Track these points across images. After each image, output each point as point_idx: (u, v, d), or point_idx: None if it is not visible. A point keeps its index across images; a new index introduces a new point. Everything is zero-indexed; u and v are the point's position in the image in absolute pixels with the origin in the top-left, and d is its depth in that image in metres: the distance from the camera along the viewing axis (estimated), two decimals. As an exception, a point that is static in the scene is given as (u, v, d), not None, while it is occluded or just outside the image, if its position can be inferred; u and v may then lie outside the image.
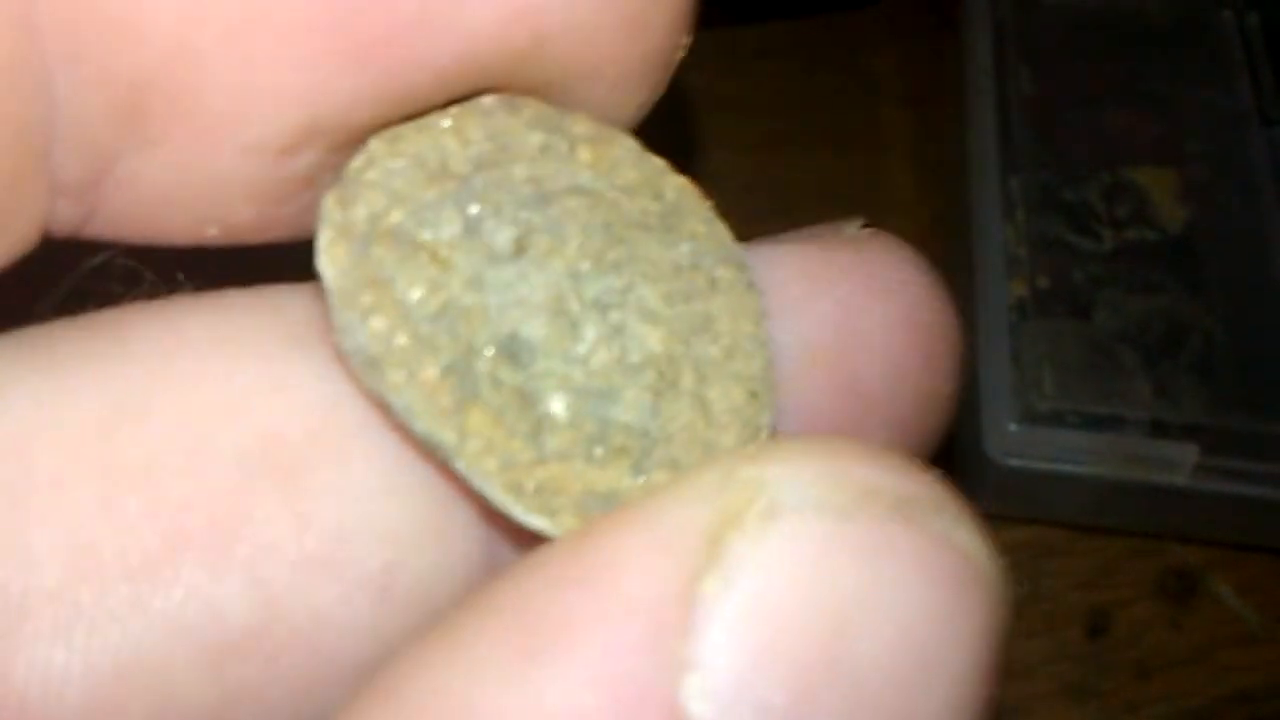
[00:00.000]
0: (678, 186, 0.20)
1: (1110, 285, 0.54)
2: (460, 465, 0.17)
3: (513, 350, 0.18)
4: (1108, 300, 0.53)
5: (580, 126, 0.19)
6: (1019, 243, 0.54)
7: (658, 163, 0.20)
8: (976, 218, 0.55)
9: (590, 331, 0.18)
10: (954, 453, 0.52)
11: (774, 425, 0.19)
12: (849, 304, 0.20)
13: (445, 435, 0.17)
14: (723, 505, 0.15)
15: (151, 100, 0.17)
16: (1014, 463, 0.50)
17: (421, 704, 0.14)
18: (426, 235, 0.18)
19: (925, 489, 0.15)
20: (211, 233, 0.18)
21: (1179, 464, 0.50)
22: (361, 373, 0.17)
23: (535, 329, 0.18)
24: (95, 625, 0.17)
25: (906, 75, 0.67)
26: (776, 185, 0.60)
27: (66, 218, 0.18)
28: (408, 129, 0.18)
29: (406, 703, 0.14)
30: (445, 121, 0.18)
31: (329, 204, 0.18)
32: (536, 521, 0.17)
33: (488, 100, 0.19)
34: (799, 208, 0.59)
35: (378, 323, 0.17)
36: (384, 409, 0.18)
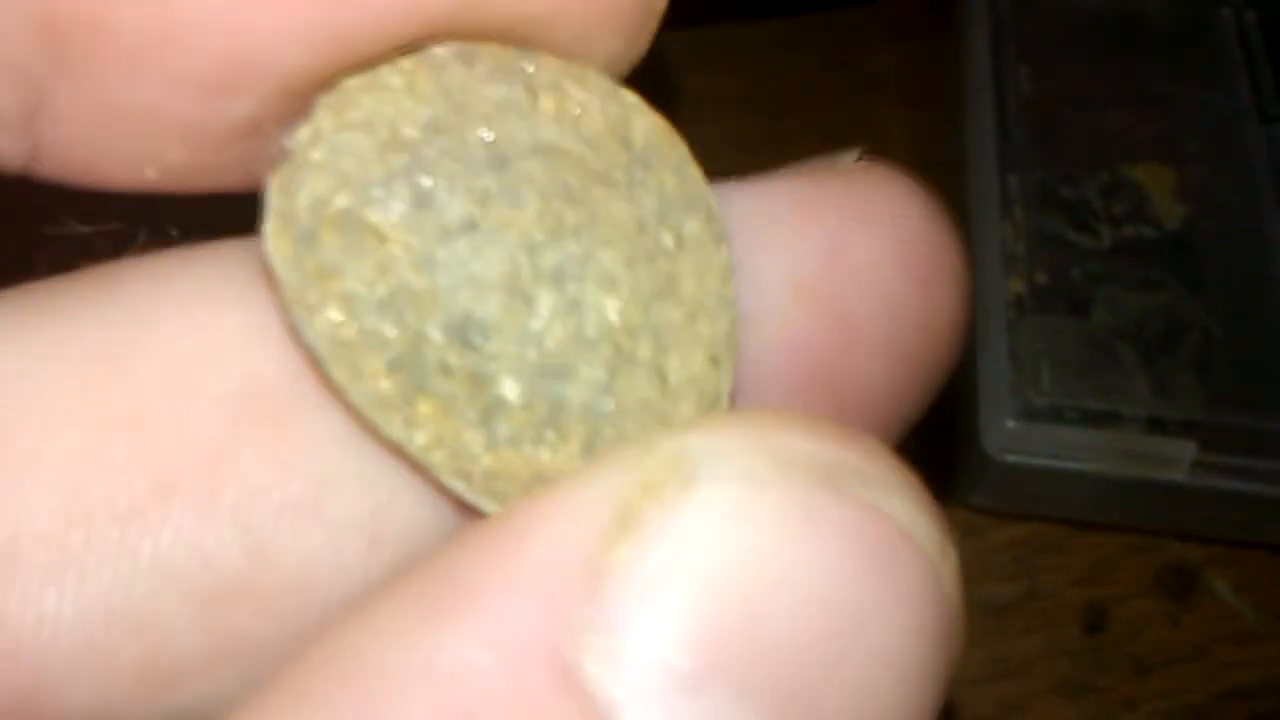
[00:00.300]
0: (648, 129, 0.19)
1: (1108, 282, 0.54)
2: (411, 456, 0.17)
3: (464, 333, 0.17)
4: (1106, 297, 0.53)
5: (543, 71, 0.18)
6: (1017, 240, 0.54)
7: (629, 100, 0.19)
8: (975, 215, 0.55)
9: (545, 307, 0.17)
10: (951, 448, 0.52)
11: (733, 392, 0.18)
12: (838, 235, 0.20)
13: (393, 430, 0.17)
14: (640, 476, 0.14)
15: (69, 27, 0.16)
16: (1011, 459, 0.50)
17: (327, 663, 0.14)
18: (374, 217, 0.17)
19: (862, 460, 0.15)
20: (150, 175, 0.18)
21: (1177, 461, 0.50)
22: (314, 366, 0.17)
23: (488, 308, 0.17)
24: (84, 569, 0.17)
25: (905, 73, 0.67)
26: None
27: (14, 153, 0.18)
28: (355, 90, 0.18)
29: (315, 663, 0.15)
30: (396, 80, 0.18)
31: (273, 189, 0.17)
32: (486, 505, 0.17)
33: (440, 50, 0.18)
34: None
35: (322, 320, 0.17)
36: (343, 405, 0.17)
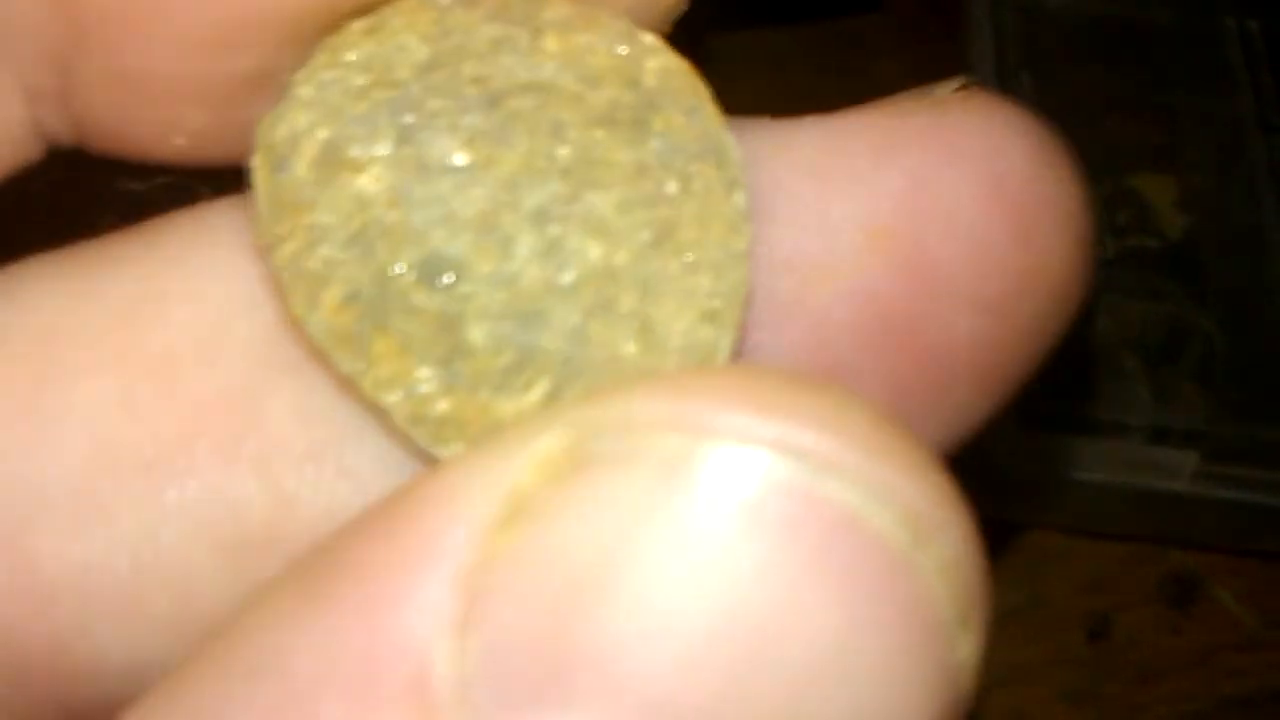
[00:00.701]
0: (661, 70, 0.17)
1: (1111, 292, 0.54)
2: (364, 394, 0.17)
3: (434, 270, 0.16)
4: (1109, 307, 0.54)
5: (551, 12, 0.17)
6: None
7: (647, 42, 0.17)
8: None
9: (523, 247, 0.16)
10: (955, 458, 0.52)
11: (736, 348, 0.17)
12: (919, 173, 0.18)
13: (347, 365, 0.16)
14: (540, 452, 0.13)
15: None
16: (1015, 468, 0.50)
17: (222, 644, 0.14)
18: (355, 151, 0.16)
19: (817, 438, 0.13)
20: (179, 142, 0.18)
21: (1179, 470, 0.50)
22: (277, 299, 0.17)
23: (461, 246, 0.16)
24: (112, 518, 0.17)
25: (912, 81, 0.67)
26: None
27: (58, 126, 0.18)
28: (356, 33, 0.17)
29: (212, 645, 0.14)
30: (397, 20, 0.17)
31: (261, 124, 0.17)
32: (437, 451, 0.17)
33: None
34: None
35: (286, 249, 0.16)
36: (301, 338, 0.17)
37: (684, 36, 0.18)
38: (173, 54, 0.17)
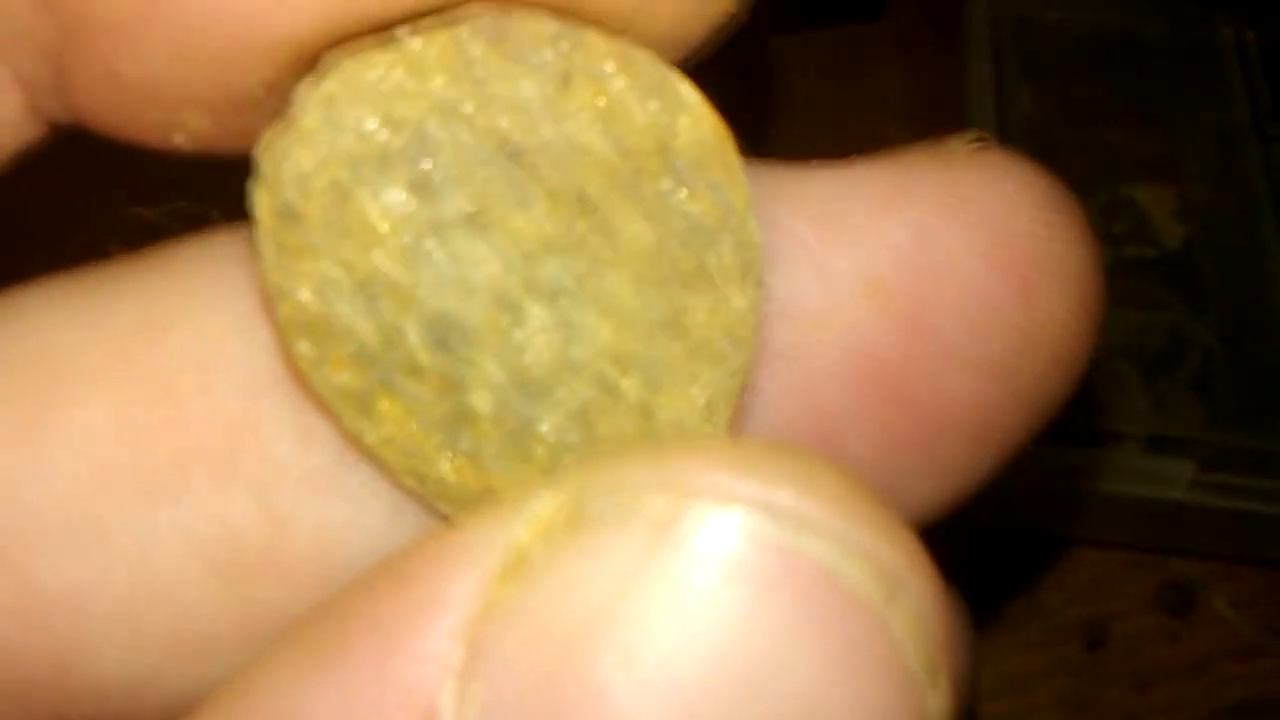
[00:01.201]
0: (693, 135, 0.16)
1: (1109, 302, 0.54)
2: (367, 452, 0.17)
3: (442, 333, 0.16)
4: (1106, 316, 0.54)
5: (583, 53, 0.16)
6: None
7: (682, 95, 0.16)
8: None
9: (533, 320, 0.16)
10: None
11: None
12: (922, 227, 0.17)
13: (351, 420, 0.16)
14: (536, 514, 0.14)
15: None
16: (1013, 477, 0.50)
17: (238, 694, 0.14)
18: (364, 196, 0.16)
19: (795, 499, 0.13)
20: (180, 140, 0.17)
21: (1176, 479, 0.50)
22: (280, 348, 0.17)
23: (470, 313, 0.16)
24: (108, 538, 0.17)
25: (910, 91, 0.67)
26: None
27: (56, 112, 0.18)
28: (371, 51, 0.16)
29: (227, 694, 0.14)
30: (414, 45, 0.16)
31: (262, 153, 0.16)
32: (440, 507, 0.17)
33: (477, 8, 0.16)
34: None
35: (292, 299, 0.16)
36: (306, 391, 0.17)
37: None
38: (166, 66, 0.16)
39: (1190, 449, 0.50)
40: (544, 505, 0.14)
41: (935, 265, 0.17)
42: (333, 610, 0.14)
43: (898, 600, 0.13)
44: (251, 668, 0.14)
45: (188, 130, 0.17)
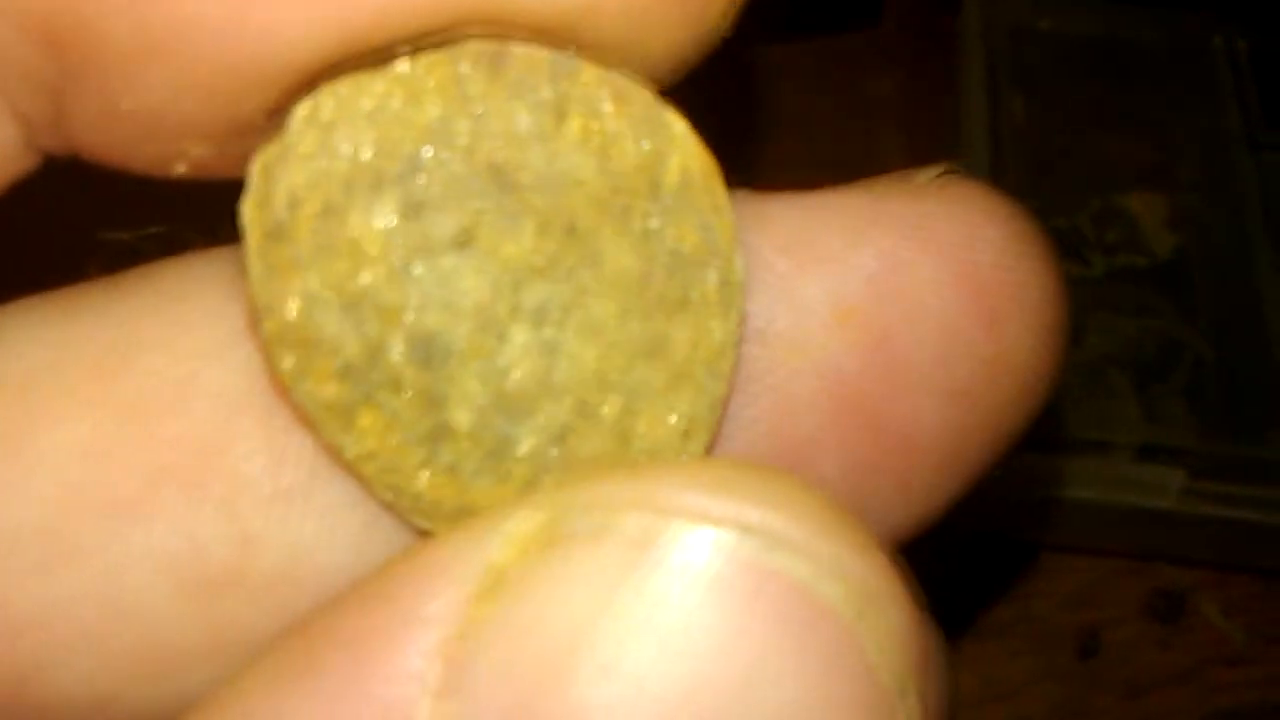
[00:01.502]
0: (683, 170, 0.17)
1: (1101, 309, 0.54)
2: (346, 464, 0.17)
3: (427, 352, 0.16)
4: (1098, 325, 0.54)
5: (578, 86, 0.16)
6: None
7: (672, 129, 0.17)
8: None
9: (516, 344, 0.16)
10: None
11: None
12: (890, 256, 0.18)
13: (332, 434, 0.17)
14: (514, 531, 0.14)
15: (66, 35, 0.16)
16: (1004, 485, 0.51)
17: (218, 709, 0.14)
18: (356, 218, 0.16)
19: (769, 517, 0.13)
20: (181, 169, 0.17)
21: (1167, 487, 0.50)
22: (265, 364, 0.17)
23: (456, 332, 0.16)
24: (78, 558, 0.17)
25: (903, 99, 0.67)
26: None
27: (53, 145, 0.18)
28: (367, 87, 0.16)
29: (208, 708, 0.14)
30: (410, 73, 0.16)
31: (256, 172, 0.16)
32: (417, 521, 0.17)
33: (473, 45, 0.16)
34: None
35: (278, 314, 0.16)
36: (288, 404, 0.17)
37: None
38: (169, 97, 0.16)
39: (1181, 457, 0.50)
40: (521, 524, 0.14)
41: (904, 294, 0.18)
42: (311, 626, 0.14)
43: (870, 616, 0.13)
44: (230, 682, 0.14)
45: (189, 159, 0.17)
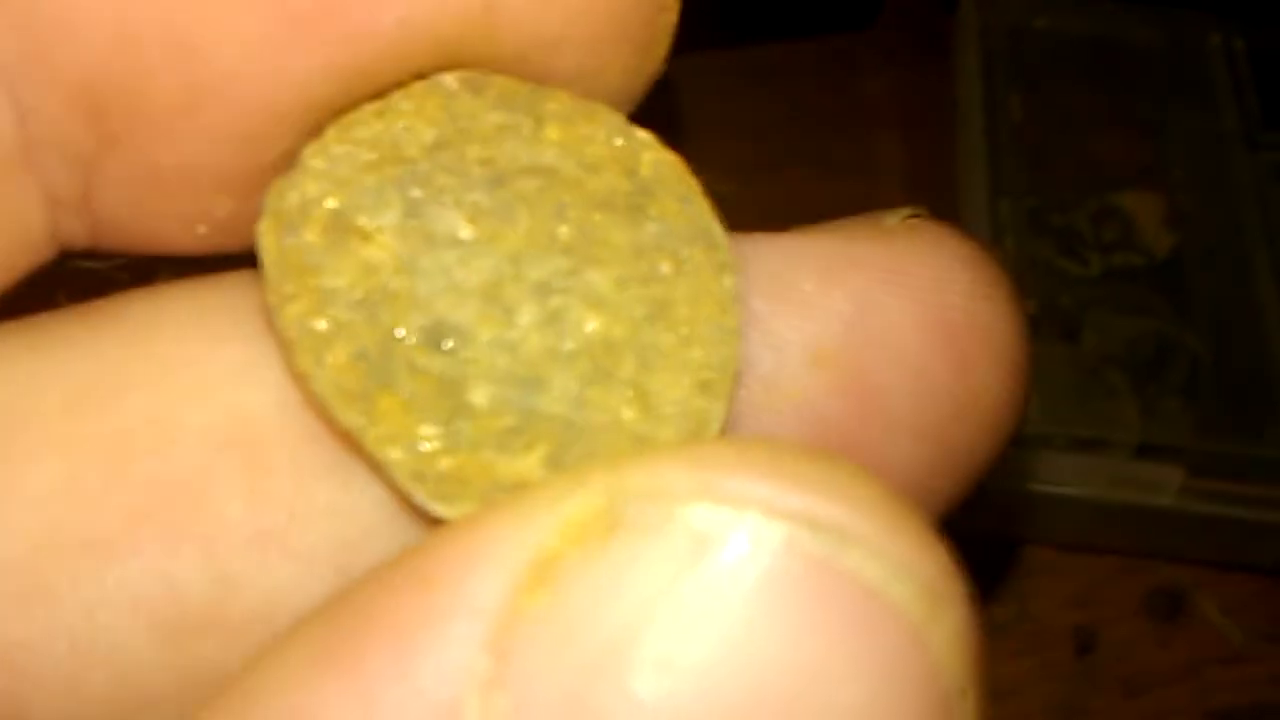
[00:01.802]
0: (655, 162, 0.18)
1: (1098, 308, 0.54)
2: (367, 449, 0.17)
3: (438, 336, 0.17)
4: (1095, 324, 0.54)
5: (554, 104, 0.18)
6: (1008, 267, 0.54)
7: (641, 137, 0.19)
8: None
9: (524, 316, 0.17)
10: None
11: (727, 419, 0.17)
12: (864, 299, 0.18)
13: (351, 420, 0.17)
14: (566, 515, 0.13)
15: (106, 96, 0.17)
16: (1001, 484, 0.51)
17: (238, 704, 0.14)
18: (362, 221, 0.17)
19: (832, 510, 0.13)
20: (202, 231, 0.18)
21: (1164, 486, 0.50)
22: (283, 357, 0.17)
23: (464, 314, 0.17)
24: (53, 597, 0.17)
25: (898, 99, 0.67)
26: (767, 207, 0.61)
27: (74, 230, 0.18)
28: (367, 113, 0.18)
29: (226, 704, 0.14)
30: (405, 104, 0.18)
31: (270, 193, 0.18)
32: (438, 509, 0.17)
33: (449, 78, 0.18)
34: (790, 229, 0.59)
35: (294, 309, 0.17)
36: (306, 395, 0.17)
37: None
38: (206, 148, 0.17)
39: (1179, 455, 0.50)
40: (575, 507, 0.13)
41: (877, 336, 0.18)
42: (347, 609, 0.14)
43: (938, 617, 0.13)
44: (258, 667, 0.14)
45: (213, 218, 0.18)
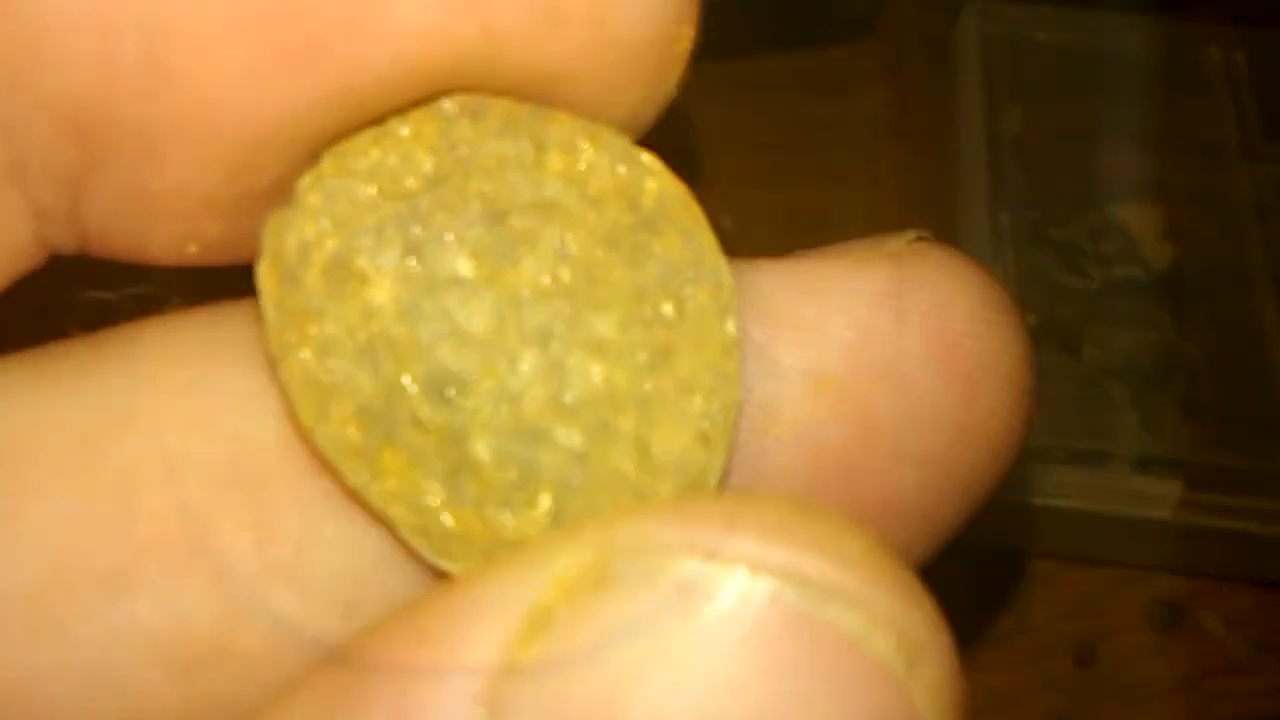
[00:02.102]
0: (659, 194, 0.18)
1: (1097, 322, 0.54)
2: (371, 505, 0.17)
3: (440, 386, 0.17)
4: (1095, 336, 0.54)
5: (556, 128, 0.18)
6: (1007, 279, 0.55)
7: (646, 163, 0.18)
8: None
9: (526, 365, 0.17)
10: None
11: (725, 474, 0.18)
12: (867, 324, 0.18)
13: (356, 477, 0.17)
14: (559, 572, 0.14)
15: (96, 125, 0.16)
16: (1001, 496, 0.51)
17: None
18: (362, 262, 0.17)
19: (819, 566, 0.13)
20: (193, 250, 0.18)
21: (1164, 499, 0.50)
22: (286, 407, 0.17)
23: (466, 363, 0.17)
24: (64, 629, 0.17)
25: (900, 109, 0.67)
26: (768, 217, 0.61)
27: (63, 239, 0.18)
28: (364, 140, 0.17)
29: None
30: (404, 130, 0.17)
31: (267, 230, 0.17)
32: (441, 564, 0.17)
33: (448, 103, 0.18)
34: (791, 240, 0.59)
35: (296, 360, 0.17)
36: (310, 448, 0.17)
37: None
38: (192, 174, 0.17)
39: (1178, 469, 0.50)
40: (567, 563, 0.14)
41: (879, 363, 0.18)
42: (344, 664, 0.14)
43: (919, 668, 0.14)
44: (262, 715, 0.14)
45: (203, 239, 0.18)
